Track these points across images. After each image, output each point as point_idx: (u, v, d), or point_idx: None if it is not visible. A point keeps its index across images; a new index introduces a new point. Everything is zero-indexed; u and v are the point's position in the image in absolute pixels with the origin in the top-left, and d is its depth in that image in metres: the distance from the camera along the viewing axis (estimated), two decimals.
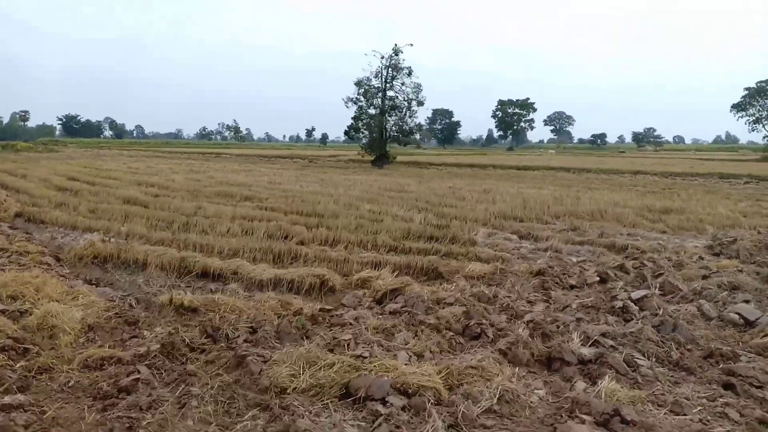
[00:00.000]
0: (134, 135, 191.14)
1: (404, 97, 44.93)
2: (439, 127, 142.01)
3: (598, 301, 7.08)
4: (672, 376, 4.79)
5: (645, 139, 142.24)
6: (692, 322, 6.20)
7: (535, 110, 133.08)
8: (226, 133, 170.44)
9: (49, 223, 11.70)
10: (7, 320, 5.17)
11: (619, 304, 6.75)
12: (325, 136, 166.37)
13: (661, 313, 6.39)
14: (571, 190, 21.90)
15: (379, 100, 44.79)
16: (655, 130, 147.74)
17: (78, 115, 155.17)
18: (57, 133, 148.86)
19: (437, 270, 8.35)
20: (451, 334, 5.69)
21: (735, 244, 9.86)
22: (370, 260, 8.58)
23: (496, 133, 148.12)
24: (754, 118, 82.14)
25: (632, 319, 6.31)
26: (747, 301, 6.68)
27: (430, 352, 5.14)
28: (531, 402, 4.28)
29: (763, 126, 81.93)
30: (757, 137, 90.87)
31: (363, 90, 44.63)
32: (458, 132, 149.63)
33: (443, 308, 6.51)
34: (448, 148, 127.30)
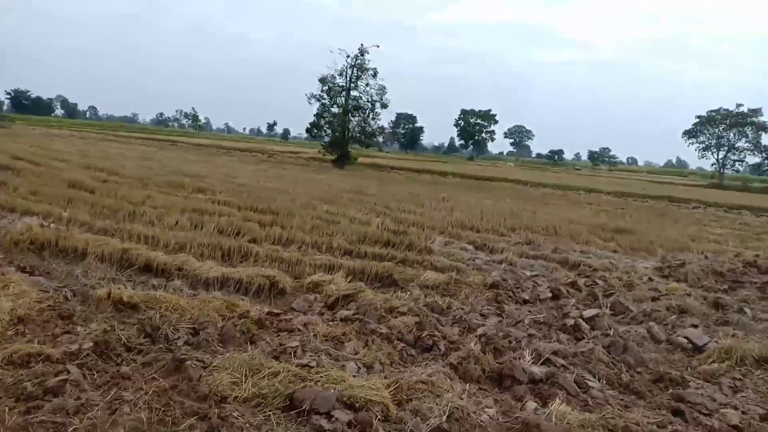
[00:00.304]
0: (87, 116, 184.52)
1: (368, 98, 44.65)
2: (402, 131, 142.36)
3: (550, 317, 7.08)
4: (622, 400, 4.77)
5: (600, 158, 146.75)
6: (642, 344, 6.25)
7: (496, 122, 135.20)
8: (184, 121, 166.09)
9: None
10: None
11: (571, 321, 6.76)
12: (286, 132, 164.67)
13: (611, 333, 6.43)
14: (527, 203, 22.20)
15: (343, 99, 44.37)
16: (610, 150, 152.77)
17: (28, 91, 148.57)
18: (5, 108, 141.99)
19: (392, 277, 8.20)
20: (403, 345, 5.55)
21: (683, 268, 10.09)
22: (324, 263, 8.35)
23: (457, 142, 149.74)
24: (704, 145, 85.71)
25: (583, 338, 6.32)
26: (695, 326, 6.79)
27: (380, 363, 4.98)
28: (481, 421, 4.16)
29: (712, 153, 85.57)
30: (706, 164, 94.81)
31: (327, 87, 44.14)
32: (421, 137, 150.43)
33: (396, 317, 6.37)
34: (410, 153, 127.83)
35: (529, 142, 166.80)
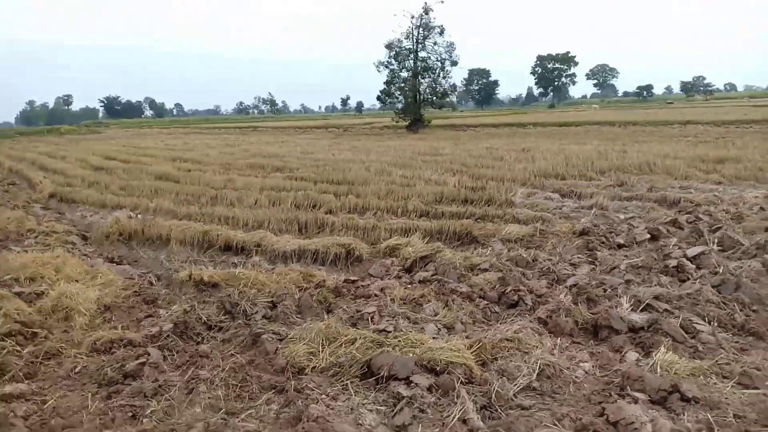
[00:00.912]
0: (174, 113, 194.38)
1: (437, 58, 43.67)
2: (476, 87, 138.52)
3: (649, 260, 6.47)
4: (737, 342, 4.22)
5: (694, 88, 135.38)
6: (757, 280, 5.54)
7: (576, 64, 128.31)
8: (263, 107, 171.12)
9: (80, 202, 11.70)
10: (21, 303, 4.99)
11: (674, 262, 6.13)
12: (360, 104, 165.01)
13: (721, 270, 5.76)
14: (616, 143, 20.79)
15: (411, 62, 43.57)
16: (704, 79, 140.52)
17: (119, 96, 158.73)
18: (100, 115, 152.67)
19: (471, 234, 7.84)
20: (485, 302, 5.24)
21: None
22: (400, 226, 8.13)
23: (536, 91, 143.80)
24: None
25: (689, 279, 5.70)
26: None
27: (462, 323, 4.71)
28: (575, 377, 3.82)
29: None
30: None
31: (394, 52, 43.54)
32: (497, 92, 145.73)
33: (477, 275, 6.06)
34: (487, 109, 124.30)
35: (614, 81, 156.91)
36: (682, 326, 4.40)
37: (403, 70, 44.66)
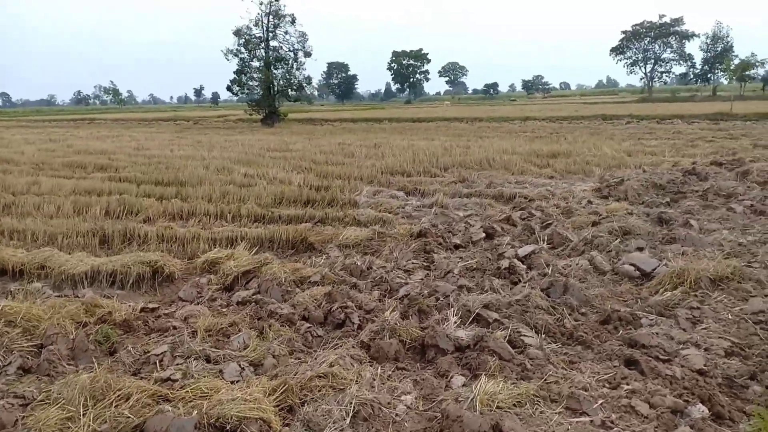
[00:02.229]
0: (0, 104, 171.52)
1: (289, 48, 42.39)
2: (336, 81, 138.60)
3: (483, 261, 6.29)
4: (566, 354, 3.98)
5: (534, 86, 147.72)
6: (585, 279, 5.52)
7: (429, 61, 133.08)
8: (105, 97, 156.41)
9: None
10: None
11: (506, 263, 5.98)
12: (216, 95, 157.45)
13: (550, 271, 5.68)
14: (461, 139, 21.38)
15: (263, 51, 41.85)
16: (543, 78, 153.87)
17: None
18: None
19: (307, 240, 7.19)
20: (308, 325, 4.60)
21: (622, 185, 9.50)
22: (226, 235, 7.23)
23: (393, 87, 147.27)
24: (631, 60, 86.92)
25: (520, 281, 5.55)
26: (641, 249, 6.12)
27: (274, 356, 4.01)
28: (396, 415, 3.30)
29: (640, 68, 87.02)
30: (635, 80, 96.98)
31: (243, 40, 41.41)
32: (356, 86, 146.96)
33: (306, 289, 5.42)
34: (347, 103, 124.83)
35: (464, 79, 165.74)
36: (510, 340, 4.09)
37: (254, 60, 42.74)
